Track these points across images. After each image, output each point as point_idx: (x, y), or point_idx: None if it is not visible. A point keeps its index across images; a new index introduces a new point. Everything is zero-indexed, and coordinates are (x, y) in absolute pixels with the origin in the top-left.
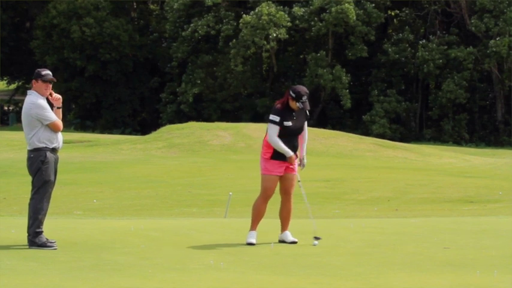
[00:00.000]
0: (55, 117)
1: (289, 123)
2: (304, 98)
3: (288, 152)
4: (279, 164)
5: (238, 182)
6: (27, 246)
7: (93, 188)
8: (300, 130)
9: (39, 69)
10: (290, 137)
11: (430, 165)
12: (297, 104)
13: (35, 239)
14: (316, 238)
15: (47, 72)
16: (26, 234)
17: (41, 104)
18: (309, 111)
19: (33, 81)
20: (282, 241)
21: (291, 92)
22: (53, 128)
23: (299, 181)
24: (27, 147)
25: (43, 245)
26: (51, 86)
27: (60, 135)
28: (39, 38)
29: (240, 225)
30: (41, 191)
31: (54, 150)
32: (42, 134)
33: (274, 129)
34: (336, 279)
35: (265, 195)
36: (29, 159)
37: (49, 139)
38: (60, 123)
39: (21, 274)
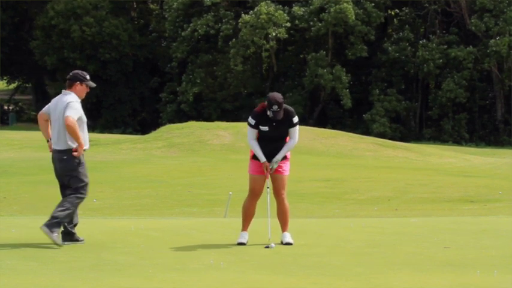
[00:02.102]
0: (75, 117)
1: (266, 128)
2: (275, 107)
3: (262, 157)
4: (261, 164)
5: (238, 182)
6: (24, 244)
7: (93, 187)
8: (278, 137)
9: (80, 72)
10: (268, 141)
11: (430, 164)
12: (268, 112)
13: (51, 221)
14: (268, 246)
15: (88, 76)
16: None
17: (76, 105)
18: (291, 120)
19: (77, 83)
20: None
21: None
22: (66, 125)
23: (267, 187)
24: (58, 147)
25: (51, 231)
26: None
27: (87, 137)
28: (39, 38)
29: (240, 225)
30: (79, 191)
31: (84, 151)
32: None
33: (251, 132)
34: (336, 279)
35: (250, 195)
36: (62, 160)
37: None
38: (73, 126)
39: (21, 274)
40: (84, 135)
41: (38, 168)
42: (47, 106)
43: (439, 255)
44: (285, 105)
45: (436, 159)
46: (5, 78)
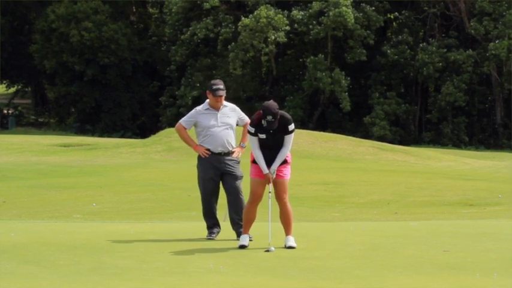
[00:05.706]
0: (183, 123)
1: (263, 136)
2: (270, 117)
3: (264, 169)
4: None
5: None
6: (24, 248)
7: (92, 191)
8: (276, 144)
9: (212, 81)
10: (267, 149)
11: (430, 168)
12: (262, 122)
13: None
14: (268, 250)
15: (217, 86)
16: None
17: (191, 112)
18: (287, 127)
19: (207, 92)
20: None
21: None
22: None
23: (269, 192)
24: None
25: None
26: (222, 98)
27: (219, 140)
28: (38, 42)
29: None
30: (199, 187)
31: (209, 151)
32: (197, 136)
33: (253, 140)
34: (336, 283)
35: (251, 199)
36: None
37: (202, 141)
38: (179, 130)
39: (21, 277)
40: (203, 137)
41: (37, 172)
42: None
43: (438, 259)
44: (281, 112)
45: (436, 163)
46: (4, 82)
